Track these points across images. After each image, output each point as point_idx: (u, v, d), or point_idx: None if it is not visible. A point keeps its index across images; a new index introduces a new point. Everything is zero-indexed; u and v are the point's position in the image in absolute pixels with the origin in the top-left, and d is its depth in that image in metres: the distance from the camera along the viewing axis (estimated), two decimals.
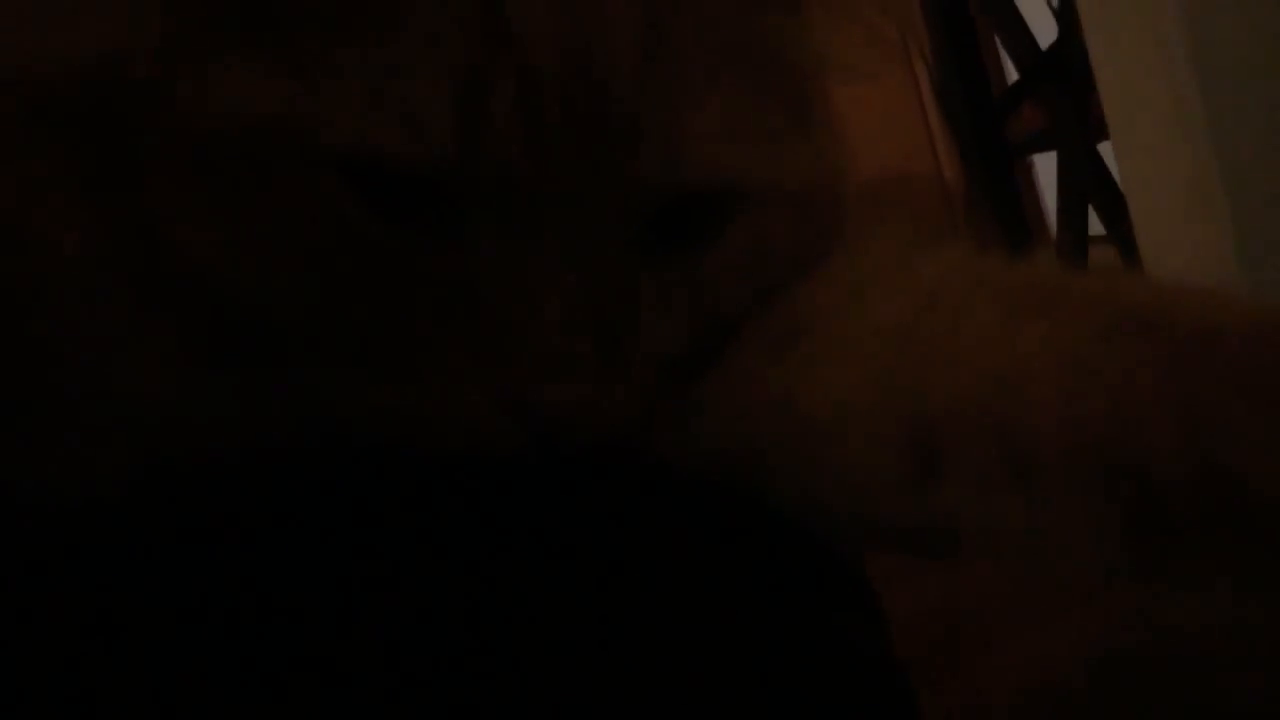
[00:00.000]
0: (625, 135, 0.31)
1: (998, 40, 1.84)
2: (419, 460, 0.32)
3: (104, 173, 0.31)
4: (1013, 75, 1.89)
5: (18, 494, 0.31)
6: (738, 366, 0.34)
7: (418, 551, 0.32)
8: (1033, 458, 0.29)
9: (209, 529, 0.32)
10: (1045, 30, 1.71)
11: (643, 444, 0.34)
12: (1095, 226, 1.73)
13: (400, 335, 0.31)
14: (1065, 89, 1.61)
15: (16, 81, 0.31)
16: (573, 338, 0.31)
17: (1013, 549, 0.31)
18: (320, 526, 0.32)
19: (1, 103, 0.31)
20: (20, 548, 0.31)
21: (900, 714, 0.35)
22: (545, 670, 0.30)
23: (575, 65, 0.30)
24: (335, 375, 0.32)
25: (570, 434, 0.32)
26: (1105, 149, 1.63)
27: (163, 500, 0.32)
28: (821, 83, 0.39)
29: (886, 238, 0.37)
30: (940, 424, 0.31)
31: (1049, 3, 1.71)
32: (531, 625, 0.31)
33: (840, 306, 0.34)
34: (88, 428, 0.32)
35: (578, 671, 0.31)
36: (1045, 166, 2.12)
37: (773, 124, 0.34)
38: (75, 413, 0.31)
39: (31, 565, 0.31)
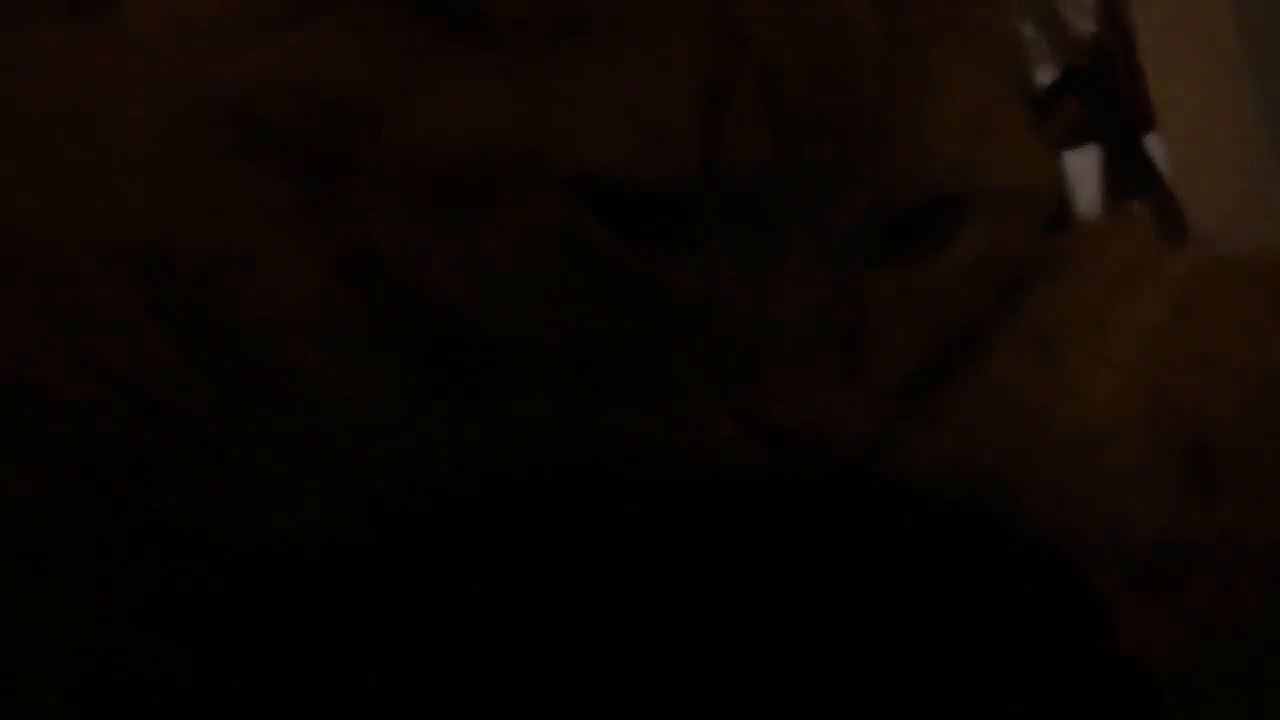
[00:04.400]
0: (873, 134, 0.29)
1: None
2: (654, 487, 0.31)
3: (326, 201, 0.30)
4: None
5: (244, 534, 0.30)
6: (983, 377, 0.33)
7: (660, 580, 0.30)
8: None
9: (441, 566, 0.31)
10: (1083, 24, 1.70)
11: (880, 462, 0.32)
12: None
13: (639, 358, 0.30)
14: (1109, 82, 1.59)
15: (236, 111, 0.30)
16: (816, 352, 0.30)
17: None
18: (559, 559, 0.31)
19: (220, 133, 0.29)
20: (250, 587, 0.30)
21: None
22: (802, 688, 0.29)
23: (816, 63, 0.29)
24: (571, 402, 0.30)
25: (812, 453, 0.30)
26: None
27: (392, 536, 0.30)
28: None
29: (1128, 236, 0.35)
30: (1217, 431, 0.29)
31: None
32: (787, 645, 0.29)
33: (1089, 312, 0.32)
34: (314, 464, 0.30)
35: (832, 688, 0.29)
36: (1074, 161, 2.12)
37: (1005, 118, 0.32)
38: (296, 450, 0.30)
39: (261, 606, 0.30)
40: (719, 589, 0.30)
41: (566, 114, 0.28)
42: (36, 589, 0.29)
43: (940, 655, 0.30)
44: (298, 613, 0.30)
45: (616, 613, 0.30)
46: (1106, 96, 1.64)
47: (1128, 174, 1.67)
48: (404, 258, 0.29)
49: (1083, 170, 1.89)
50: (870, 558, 0.31)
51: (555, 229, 0.29)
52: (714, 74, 0.28)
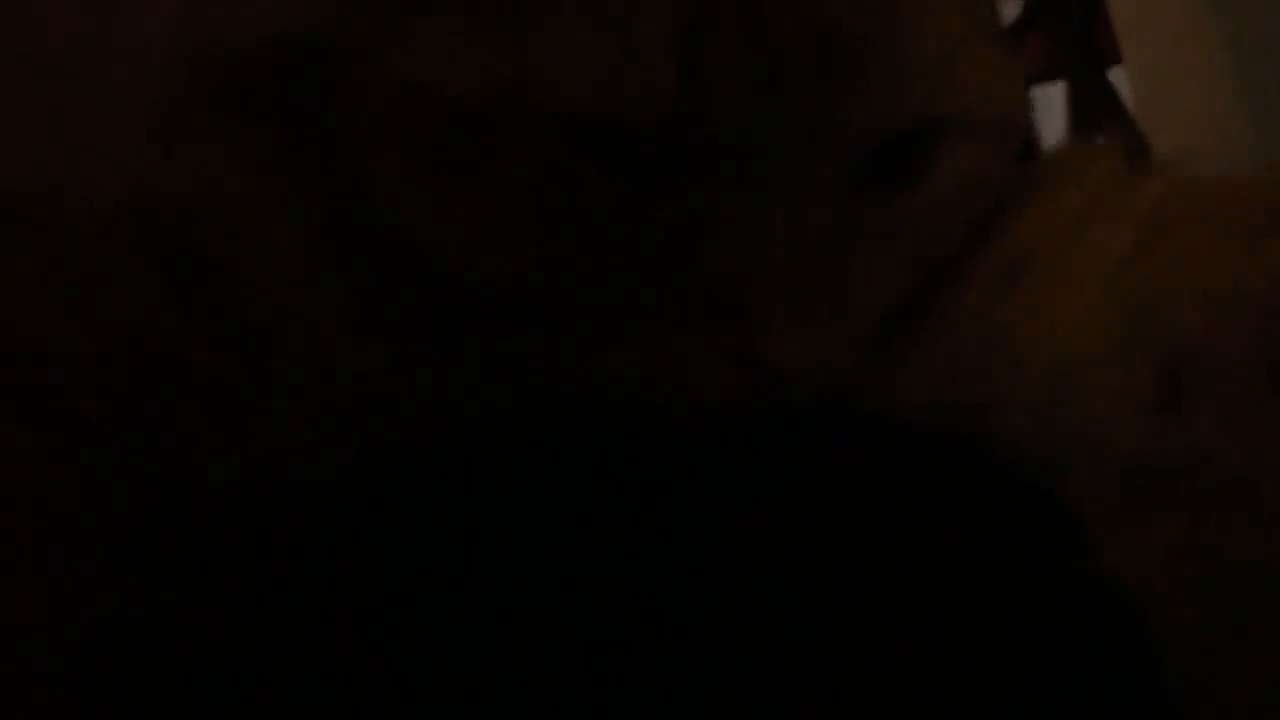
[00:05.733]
0: (851, 64, 0.30)
1: None
2: (642, 425, 0.31)
3: (305, 148, 0.30)
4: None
5: (239, 492, 0.30)
6: (957, 307, 0.33)
7: (648, 519, 0.31)
8: None
9: (437, 510, 0.31)
10: None
11: (864, 395, 0.33)
12: None
13: (629, 297, 0.30)
14: (1073, 16, 1.59)
15: (202, 59, 0.30)
16: (804, 287, 0.30)
17: (1270, 474, 0.30)
18: (550, 499, 0.31)
19: (205, 83, 0.30)
20: (253, 540, 0.30)
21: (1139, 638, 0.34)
22: (786, 624, 0.30)
23: None
24: (558, 342, 0.30)
25: (796, 386, 0.31)
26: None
27: (389, 485, 0.31)
28: None
29: (1097, 165, 0.36)
30: (1192, 349, 0.30)
31: None
32: (779, 579, 0.30)
33: (1063, 238, 0.33)
34: (306, 414, 0.30)
35: (815, 623, 0.30)
36: (1040, 96, 2.12)
37: (978, 46, 0.33)
38: (292, 398, 0.30)
39: (264, 559, 0.30)
40: (707, 527, 0.31)
41: (546, 53, 0.28)
42: (36, 555, 0.29)
43: (924, 589, 0.31)
44: (301, 564, 0.31)
45: (606, 554, 0.30)
46: (1071, 31, 1.65)
47: (1093, 108, 1.67)
48: (384, 202, 0.30)
49: (1048, 105, 1.90)
50: (854, 492, 0.32)
51: (541, 170, 0.29)
52: (694, 7, 0.28)
